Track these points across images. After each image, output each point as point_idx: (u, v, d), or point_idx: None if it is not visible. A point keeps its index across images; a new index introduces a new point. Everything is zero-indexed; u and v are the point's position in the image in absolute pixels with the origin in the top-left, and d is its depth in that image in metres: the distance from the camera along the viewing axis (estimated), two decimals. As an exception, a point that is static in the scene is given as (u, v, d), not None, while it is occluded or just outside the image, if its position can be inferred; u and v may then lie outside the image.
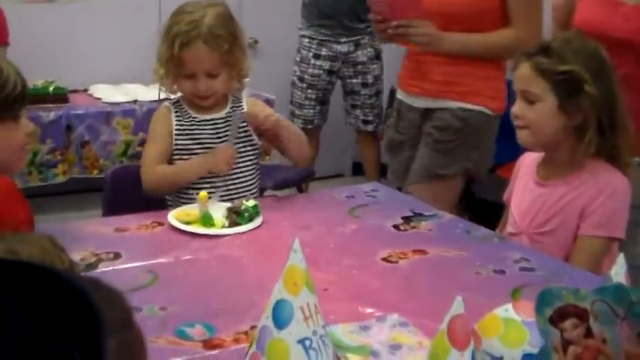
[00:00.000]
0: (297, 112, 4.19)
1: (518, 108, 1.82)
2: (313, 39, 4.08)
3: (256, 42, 4.59)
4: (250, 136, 2.09)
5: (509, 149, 3.81)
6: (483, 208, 4.15)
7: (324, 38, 4.06)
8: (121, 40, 4.28)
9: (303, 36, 4.13)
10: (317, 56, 4.09)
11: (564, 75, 1.73)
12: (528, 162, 1.98)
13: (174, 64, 2.00)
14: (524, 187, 1.94)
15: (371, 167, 4.32)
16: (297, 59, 4.16)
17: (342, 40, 4.05)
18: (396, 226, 1.88)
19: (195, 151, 2.05)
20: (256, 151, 2.13)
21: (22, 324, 0.52)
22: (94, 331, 0.55)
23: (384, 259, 1.67)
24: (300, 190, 3.92)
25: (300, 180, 3.79)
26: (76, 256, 1.60)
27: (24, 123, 1.57)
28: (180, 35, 1.96)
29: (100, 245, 1.71)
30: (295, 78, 4.18)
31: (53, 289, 0.55)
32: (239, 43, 2.05)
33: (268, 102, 3.60)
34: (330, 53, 4.07)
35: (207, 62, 1.99)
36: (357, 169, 5.15)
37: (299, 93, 4.17)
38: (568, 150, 1.79)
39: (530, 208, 1.88)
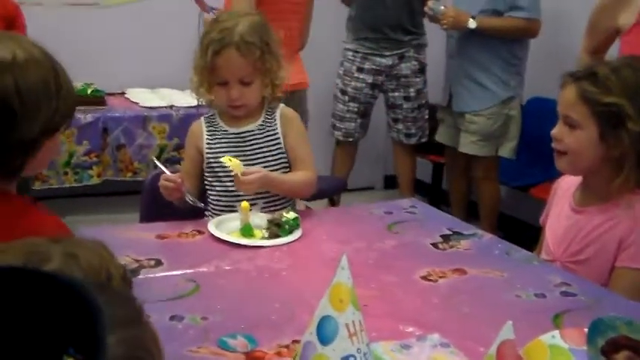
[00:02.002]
0: (338, 124, 4.19)
1: (558, 131, 1.80)
2: (357, 52, 4.07)
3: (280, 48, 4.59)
4: (282, 147, 2.10)
5: (544, 169, 3.82)
6: (516, 227, 4.14)
7: (367, 51, 4.05)
8: (160, 45, 4.32)
9: (348, 49, 4.13)
10: (360, 69, 4.08)
11: (608, 107, 1.70)
12: (565, 186, 1.95)
13: (207, 71, 2.03)
14: (560, 212, 1.91)
15: (406, 181, 4.30)
16: (340, 72, 4.16)
17: (387, 53, 4.03)
18: (434, 245, 1.88)
19: (227, 165, 2.06)
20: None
21: (13, 325, 0.56)
22: (92, 328, 0.59)
23: (424, 278, 1.66)
24: (332, 202, 3.93)
25: (332, 192, 3.80)
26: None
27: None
28: (213, 43, 1.99)
29: (142, 252, 1.72)
30: (337, 91, 4.17)
31: (53, 291, 0.60)
32: (272, 51, 2.06)
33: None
34: (374, 67, 4.06)
35: (239, 69, 2.01)
36: (389, 183, 5.14)
37: (340, 106, 4.16)
38: (606, 179, 1.76)
39: (565, 236, 1.85)
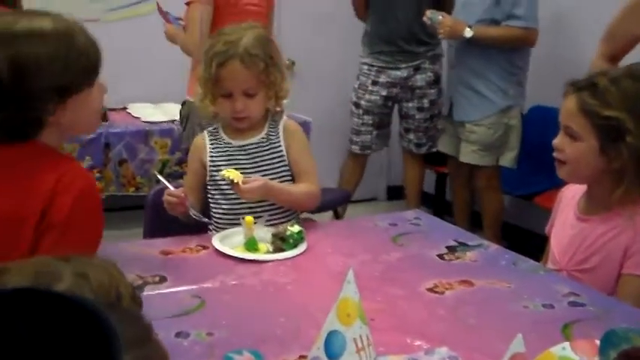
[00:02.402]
0: (354, 138, 4.21)
1: (559, 141, 1.80)
2: (373, 66, 4.09)
3: (293, 63, 4.61)
4: (285, 159, 2.09)
5: (547, 178, 3.79)
6: (521, 236, 4.12)
7: (383, 65, 4.06)
8: (161, 59, 4.32)
9: (363, 63, 4.14)
10: (375, 82, 4.09)
11: (607, 120, 1.69)
12: (570, 195, 1.94)
13: (212, 83, 2.03)
14: (565, 221, 1.90)
15: (413, 191, 4.30)
16: (356, 86, 4.17)
17: (402, 65, 4.04)
18: (440, 256, 1.87)
19: (225, 179, 2.05)
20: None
21: (30, 347, 0.56)
22: (107, 349, 0.59)
23: (430, 290, 1.65)
24: (337, 214, 3.92)
25: (336, 203, 3.80)
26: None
27: (97, 85, 1.58)
28: (218, 55, 1.99)
29: (146, 268, 1.71)
30: (352, 104, 4.19)
31: (67, 312, 0.60)
32: (276, 64, 2.06)
33: (305, 124, 3.61)
34: (389, 80, 4.06)
35: (243, 81, 2.01)
36: (392, 194, 5.14)
37: (356, 119, 4.18)
38: (608, 190, 1.75)
39: (570, 245, 1.84)
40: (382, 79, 4.07)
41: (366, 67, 4.12)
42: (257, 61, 2.00)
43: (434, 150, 4.21)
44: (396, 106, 4.20)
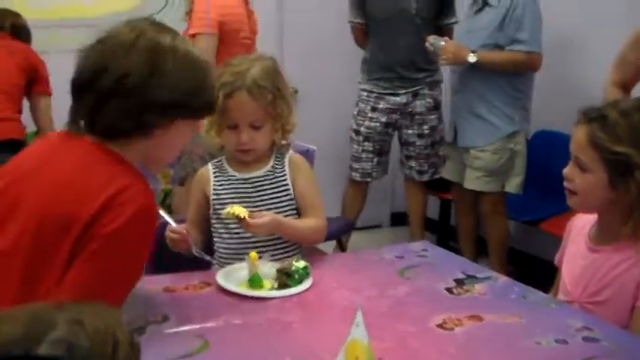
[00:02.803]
0: (354, 165, 4.17)
1: (569, 171, 1.78)
2: (372, 92, 4.07)
3: (296, 91, 4.60)
4: (291, 193, 2.06)
5: (553, 203, 3.76)
6: (527, 262, 4.08)
7: (382, 91, 4.05)
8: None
9: (362, 90, 4.13)
10: (374, 109, 4.07)
11: (616, 155, 1.67)
12: (580, 224, 1.91)
13: (218, 114, 1.99)
14: (576, 252, 1.87)
15: (417, 219, 4.27)
16: (355, 113, 4.15)
17: (401, 91, 4.02)
18: (449, 290, 1.83)
19: (229, 218, 2.02)
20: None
21: None
22: None
23: (439, 326, 1.61)
24: (340, 242, 3.88)
25: (340, 233, 3.76)
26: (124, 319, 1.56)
27: (191, 126, 1.62)
28: (225, 85, 1.96)
29: (148, 306, 1.68)
30: (352, 132, 4.17)
31: None
32: (284, 96, 2.03)
33: (308, 153, 3.58)
34: (388, 106, 4.05)
35: (250, 113, 1.98)
36: (396, 220, 5.10)
37: (355, 146, 4.15)
38: (618, 221, 1.73)
39: (582, 276, 1.81)
40: (382, 105, 4.05)
41: (365, 93, 4.11)
42: (265, 92, 1.97)
43: (436, 177, 4.18)
44: (396, 134, 4.18)
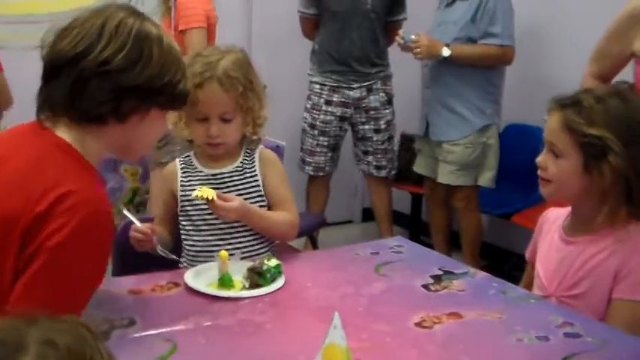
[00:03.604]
0: (307, 159, 4.10)
1: (543, 159, 1.76)
2: (324, 85, 4.01)
3: (265, 87, 4.53)
4: (261, 189, 2.00)
5: (525, 196, 3.76)
6: (500, 256, 4.06)
7: (335, 84, 3.99)
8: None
9: (314, 82, 4.06)
10: (329, 102, 4.02)
11: (591, 138, 1.65)
12: (553, 218, 1.89)
13: (187, 106, 1.92)
14: (550, 244, 1.84)
15: (383, 214, 4.22)
16: (308, 106, 4.08)
17: (354, 85, 3.98)
18: (426, 286, 1.77)
19: (198, 207, 1.96)
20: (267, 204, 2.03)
21: None
22: None
23: (418, 325, 1.56)
24: (312, 238, 3.83)
25: (311, 229, 3.70)
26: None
27: (167, 118, 1.63)
28: (195, 76, 1.89)
29: (113, 310, 1.60)
30: (306, 125, 4.10)
31: None
32: (255, 89, 1.97)
33: (278, 148, 3.52)
34: (342, 99, 4.00)
35: (220, 104, 1.91)
36: (367, 216, 5.06)
37: (310, 140, 4.08)
38: (593, 209, 1.70)
39: (557, 269, 1.78)
40: (335, 98, 4.00)
41: (317, 86, 4.05)
42: (236, 84, 1.91)
43: (394, 172, 4.15)
44: (351, 129, 4.13)
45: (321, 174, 4.12)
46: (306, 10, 4.03)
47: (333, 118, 4.02)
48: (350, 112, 4.02)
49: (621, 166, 1.63)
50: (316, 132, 4.05)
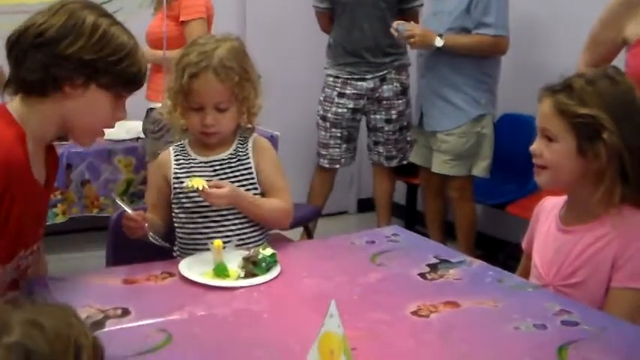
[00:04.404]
0: (322, 151, 4.11)
1: (537, 146, 1.75)
2: (338, 78, 4.01)
3: (259, 77, 4.50)
4: (254, 177, 1.98)
5: (519, 186, 3.75)
6: (495, 246, 4.06)
7: (348, 76, 3.98)
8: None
9: (328, 75, 4.06)
10: (341, 95, 4.00)
11: (584, 118, 1.65)
12: (549, 207, 1.88)
13: (182, 95, 1.92)
14: (547, 234, 1.83)
15: (383, 204, 4.21)
16: (321, 98, 4.08)
17: (368, 76, 3.96)
18: (422, 275, 1.76)
19: (192, 196, 1.94)
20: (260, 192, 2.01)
21: None
22: None
23: (414, 313, 1.55)
24: (307, 229, 3.82)
25: (307, 219, 3.70)
26: (82, 313, 1.47)
27: (121, 109, 1.69)
28: (190, 66, 1.89)
29: (107, 300, 1.58)
30: (319, 118, 4.09)
31: None
32: (250, 79, 1.96)
33: (272, 138, 3.51)
34: (355, 91, 3.98)
35: (216, 94, 1.90)
36: (362, 207, 5.05)
37: (323, 132, 4.08)
38: (589, 194, 1.70)
39: (554, 258, 1.77)
40: (348, 90, 3.99)
41: (331, 78, 4.05)
42: (231, 74, 1.89)
43: (404, 162, 4.13)
44: (364, 119, 4.12)
45: (337, 166, 4.12)
46: (319, 4, 4.04)
47: (345, 110, 4.00)
48: (363, 102, 4.01)
49: (616, 145, 1.63)
50: (328, 124, 4.05)
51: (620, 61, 2.37)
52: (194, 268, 1.74)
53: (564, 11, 3.75)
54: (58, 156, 1.81)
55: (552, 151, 1.71)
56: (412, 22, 3.64)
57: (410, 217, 4.66)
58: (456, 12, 3.56)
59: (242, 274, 1.72)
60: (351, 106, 4.00)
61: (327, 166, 4.11)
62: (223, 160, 1.98)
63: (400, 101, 4.03)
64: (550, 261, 1.78)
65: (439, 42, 3.52)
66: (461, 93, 3.64)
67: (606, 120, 1.64)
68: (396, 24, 3.62)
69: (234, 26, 4.23)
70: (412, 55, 3.96)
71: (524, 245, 1.94)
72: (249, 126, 2.02)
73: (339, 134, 4.05)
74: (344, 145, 4.09)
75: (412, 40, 3.56)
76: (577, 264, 1.72)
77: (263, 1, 4.59)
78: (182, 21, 3.30)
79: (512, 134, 3.87)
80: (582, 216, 1.74)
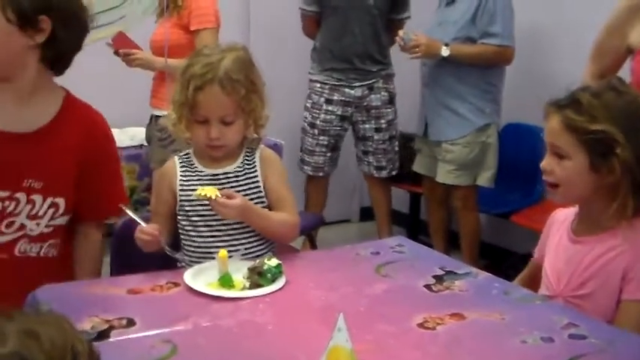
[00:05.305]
0: (307, 158, 4.07)
1: (547, 163, 1.74)
2: (325, 84, 3.97)
3: (264, 85, 4.50)
4: (261, 190, 1.97)
5: (524, 195, 3.75)
6: (499, 255, 4.05)
7: (336, 83, 3.95)
8: (127, 82, 4.18)
9: (314, 81, 4.02)
10: (329, 101, 3.97)
11: (595, 134, 1.64)
12: (562, 218, 1.87)
13: (187, 107, 1.89)
14: (558, 244, 1.82)
15: (382, 213, 4.19)
16: (308, 105, 4.04)
17: (356, 84, 3.94)
18: (428, 286, 1.76)
19: (197, 207, 1.93)
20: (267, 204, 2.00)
21: None
22: None
23: (420, 325, 1.54)
24: (310, 237, 3.81)
25: (309, 228, 3.69)
26: (87, 324, 1.47)
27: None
28: (196, 78, 1.86)
29: (112, 310, 1.57)
30: (306, 124, 4.05)
31: None
32: (257, 90, 1.93)
33: (276, 147, 3.50)
34: (343, 98, 3.96)
35: (221, 107, 1.88)
36: (365, 215, 5.04)
37: (310, 139, 4.04)
38: (602, 207, 1.69)
39: (565, 269, 1.76)
40: (336, 97, 3.96)
41: (318, 84, 4.00)
42: (237, 87, 1.86)
43: (394, 173, 4.12)
44: (352, 129, 4.09)
45: (320, 174, 4.09)
46: (308, 7, 3.97)
47: (333, 117, 3.98)
48: (351, 110, 3.98)
49: (628, 158, 1.62)
50: (316, 131, 4.01)
51: (624, 71, 2.36)
52: (199, 278, 1.73)
53: (569, 20, 3.75)
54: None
55: (564, 168, 1.70)
56: (417, 31, 3.63)
57: (413, 226, 4.65)
58: (462, 22, 3.56)
59: (247, 285, 1.71)
60: (339, 112, 3.97)
61: (310, 173, 4.07)
62: (230, 173, 1.96)
63: (389, 110, 4.02)
64: (560, 271, 1.77)
65: (445, 51, 3.52)
66: (465, 103, 3.64)
67: (618, 134, 1.62)
68: (402, 33, 3.62)
69: (237, 32, 4.23)
70: (413, 64, 3.93)
71: (535, 256, 1.93)
72: (256, 136, 2.00)
73: (325, 142, 4.02)
74: (329, 154, 4.05)
75: (417, 49, 3.55)
76: (587, 275, 1.71)
77: (267, 5, 4.57)
78: (193, 30, 3.27)
79: (517, 144, 3.88)
80: (593, 227, 1.73)
